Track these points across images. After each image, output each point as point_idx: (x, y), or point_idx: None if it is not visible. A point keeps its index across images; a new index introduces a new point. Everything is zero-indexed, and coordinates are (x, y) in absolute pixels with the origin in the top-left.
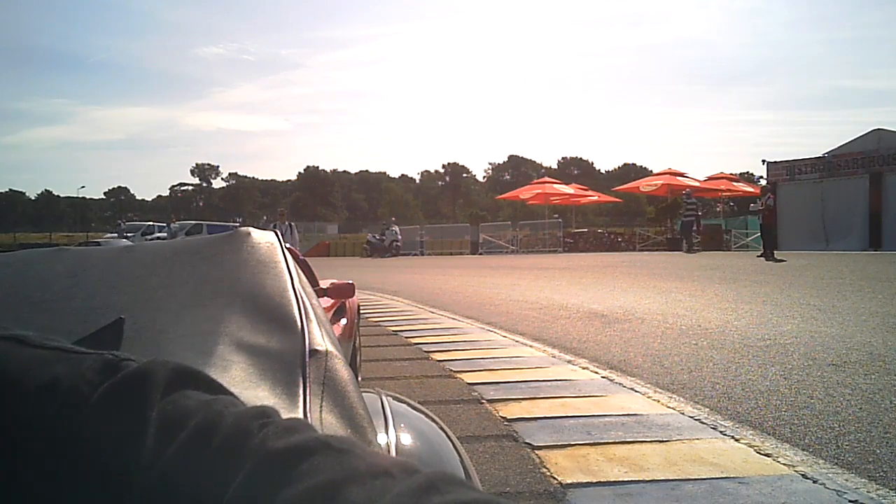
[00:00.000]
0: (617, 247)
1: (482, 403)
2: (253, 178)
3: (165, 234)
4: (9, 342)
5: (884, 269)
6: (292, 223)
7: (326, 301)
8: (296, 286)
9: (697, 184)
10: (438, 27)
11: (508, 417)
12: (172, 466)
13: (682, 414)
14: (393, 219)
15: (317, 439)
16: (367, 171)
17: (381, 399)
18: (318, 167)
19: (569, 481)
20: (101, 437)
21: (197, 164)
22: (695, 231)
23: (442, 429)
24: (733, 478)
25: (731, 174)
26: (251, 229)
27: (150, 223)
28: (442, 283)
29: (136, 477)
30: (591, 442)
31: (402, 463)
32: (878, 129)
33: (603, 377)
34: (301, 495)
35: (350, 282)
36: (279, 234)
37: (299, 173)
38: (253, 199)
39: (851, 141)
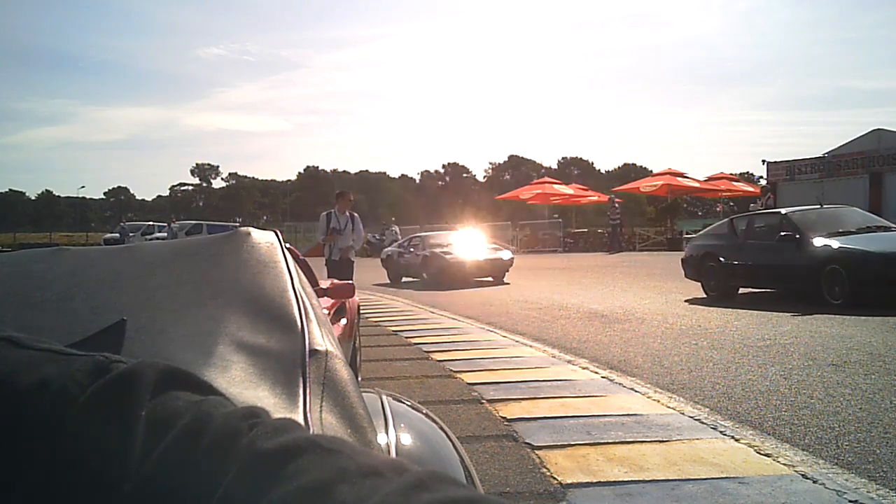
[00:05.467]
0: (619, 247)
1: (482, 403)
2: (253, 178)
3: (165, 234)
4: (0, 343)
5: None
6: (355, 213)
7: (326, 301)
8: (296, 286)
9: (697, 184)
10: (439, 28)
11: (508, 417)
12: (161, 467)
13: (682, 414)
14: (393, 219)
15: (306, 439)
16: (367, 171)
17: (381, 399)
18: (318, 167)
19: (569, 481)
20: (90, 437)
21: (197, 164)
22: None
23: (442, 429)
24: (733, 478)
25: (731, 174)
26: (251, 229)
27: (150, 223)
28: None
29: (125, 477)
30: (591, 442)
31: (392, 462)
32: (878, 129)
33: (603, 377)
34: (290, 495)
35: (350, 282)
36: (337, 225)
37: (299, 173)
38: (253, 199)
39: (851, 141)
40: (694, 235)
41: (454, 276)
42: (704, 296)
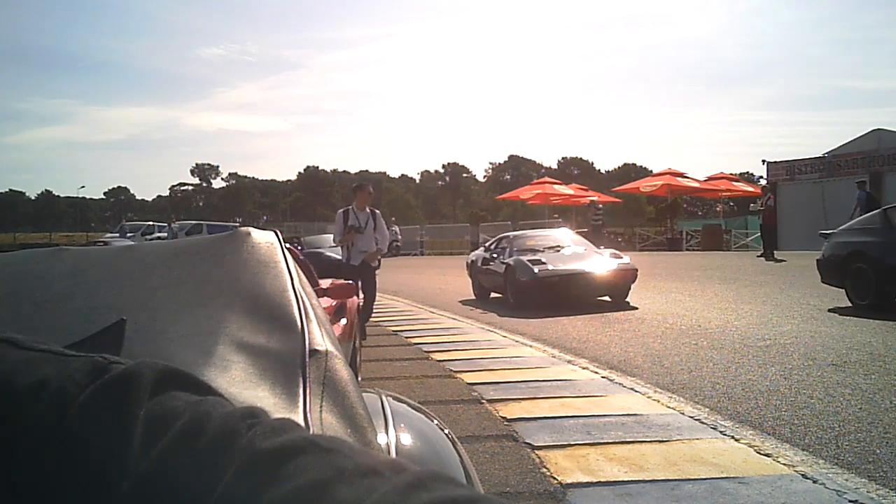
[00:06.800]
0: (617, 247)
1: (482, 403)
2: (253, 178)
3: (165, 234)
4: None
5: None
6: (376, 210)
7: (326, 301)
8: (296, 286)
9: (697, 184)
10: (439, 28)
11: (508, 417)
12: (159, 467)
13: (682, 414)
14: (393, 219)
15: (304, 439)
16: (367, 171)
17: (381, 399)
18: (318, 167)
19: (569, 481)
20: (89, 437)
21: (197, 164)
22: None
23: (442, 429)
24: (733, 478)
25: (731, 174)
26: (251, 229)
27: (150, 223)
28: (442, 283)
29: (124, 477)
30: (591, 442)
31: (390, 461)
32: (878, 129)
33: (603, 377)
34: (288, 495)
35: (350, 282)
36: (356, 223)
37: (299, 173)
38: (253, 199)
39: (851, 141)
40: (834, 231)
41: (547, 295)
42: (705, 296)
